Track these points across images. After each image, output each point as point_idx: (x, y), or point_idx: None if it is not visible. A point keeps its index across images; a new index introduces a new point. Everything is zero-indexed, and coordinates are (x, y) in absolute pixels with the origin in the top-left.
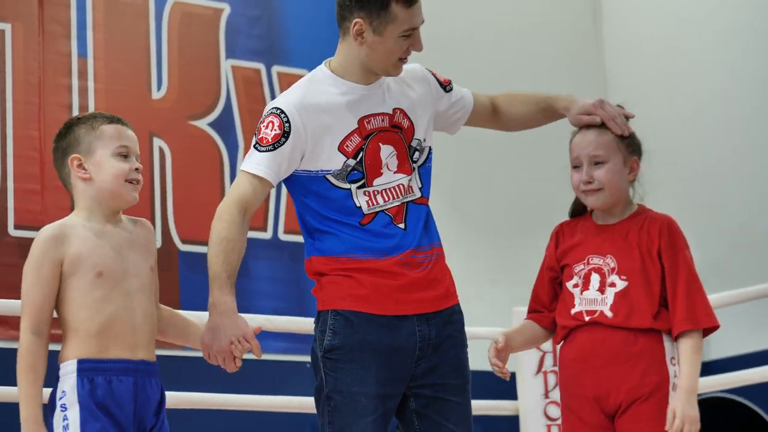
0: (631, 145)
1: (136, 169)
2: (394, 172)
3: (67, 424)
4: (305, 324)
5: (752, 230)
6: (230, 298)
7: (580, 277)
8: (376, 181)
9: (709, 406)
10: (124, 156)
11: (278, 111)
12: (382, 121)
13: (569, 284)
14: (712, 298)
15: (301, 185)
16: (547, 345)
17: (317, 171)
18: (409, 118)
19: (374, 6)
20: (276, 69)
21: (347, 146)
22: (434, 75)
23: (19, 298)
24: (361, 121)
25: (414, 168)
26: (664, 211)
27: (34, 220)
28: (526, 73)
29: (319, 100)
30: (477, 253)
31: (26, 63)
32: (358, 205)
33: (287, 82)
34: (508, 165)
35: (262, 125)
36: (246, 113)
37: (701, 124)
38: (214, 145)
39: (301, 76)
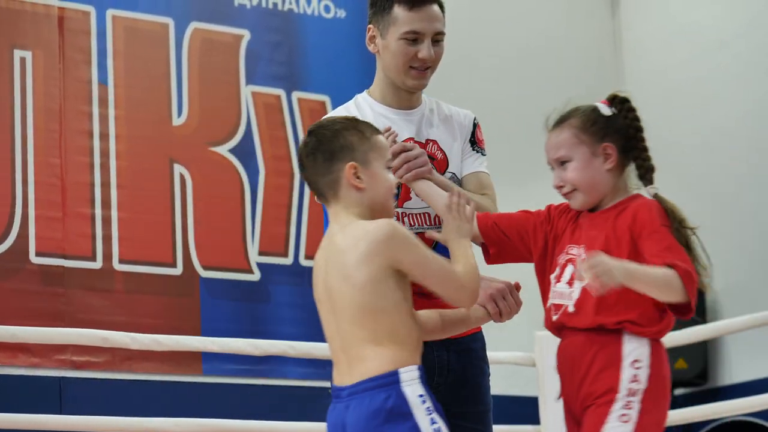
0: (597, 132)
1: None
2: (422, 200)
3: (439, 428)
4: (327, 350)
5: None
6: None
7: (559, 268)
8: (406, 204)
9: (731, 429)
10: (389, 168)
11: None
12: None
13: (552, 276)
14: (730, 322)
15: None
16: None
17: None
18: (443, 152)
19: (380, 9)
20: (296, 95)
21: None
22: (476, 127)
23: (41, 325)
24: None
25: None
26: None
27: (55, 248)
28: (544, 101)
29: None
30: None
31: (47, 90)
32: None
33: (308, 107)
34: (528, 185)
35: None
36: (266, 139)
37: (721, 149)
38: (235, 171)
39: (321, 102)
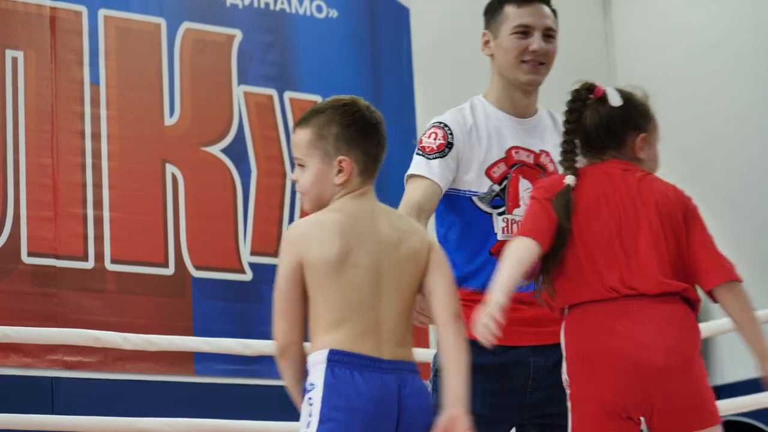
0: None
1: None
2: None
3: None
4: None
5: (762, 255)
6: None
7: None
8: (516, 211)
9: (723, 429)
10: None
11: (442, 125)
12: (527, 156)
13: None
14: (723, 322)
15: (449, 202)
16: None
17: (465, 191)
18: (554, 164)
19: (491, 12)
20: (288, 95)
21: (494, 172)
22: None
23: (33, 325)
24: (509, 150)
25: None
26: None
27: (47, 248)
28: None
29: (473, 123)
30: None
31: (39, 90)
32: (495, 230)
33: (299, 107)
34: None
35: (424, 137)
36: (258, 139)
37: (714, 150)
38: (227, 171)
39: (313, 102)
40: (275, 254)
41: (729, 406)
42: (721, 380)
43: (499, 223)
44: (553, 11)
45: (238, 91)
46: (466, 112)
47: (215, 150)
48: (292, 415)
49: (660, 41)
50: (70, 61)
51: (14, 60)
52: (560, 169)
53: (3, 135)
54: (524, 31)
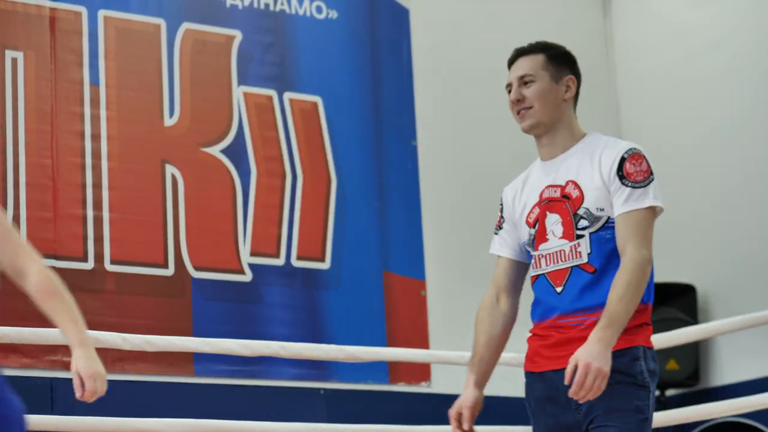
0: None
1: None
2: (559, 238)
3: None
4: (318, 350)
5: (760, 257)
6: (469, 376)
7: None
8: (541, 246)
9: (722, 430)
10: None
11: (500, 199)
12: (555, 191)
13: None
14: (721, 323)
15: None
16: None
17: (522, 244)
18: (580, 189)
19: None
20: (288, 95)
21: (530, 218)
22: (624, 160)
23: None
24: (540, 193)
25: (581, 235)
26: (673, 235)
27: (47, 248)
28: None
29: (523, 184)
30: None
31: (38, 91)
32: (533, 269)
33: (299, 108)
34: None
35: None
36: (258, 140)
37: (713, 151)
38: (227, 171)
39: (313, 103)
40: (275, 255)
41: (729, 407)
42: (720, 381)
43: (533, 261)
44: (543, 47)
45: (238, 92)
46: (523, 175)
47: (215, 150)
48: (291, 415)
49: (660, 41)
50: (70, 62)
51: (14, 60)
52: (587, 193)
53: (2, 135)
54: (509, 89)
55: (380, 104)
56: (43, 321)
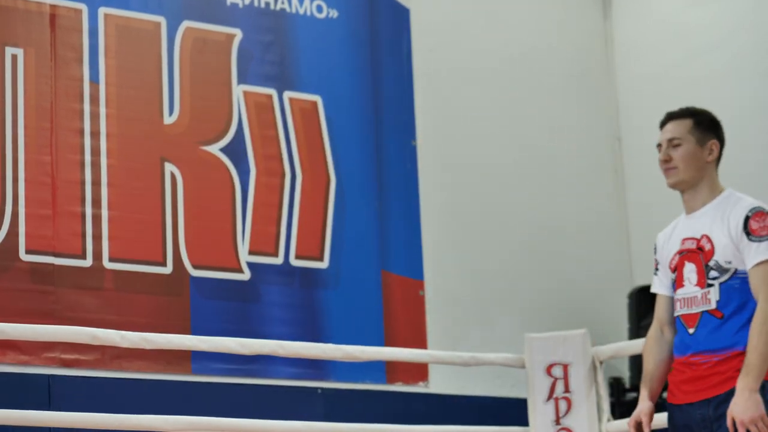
0: None
1: None
2: (693, 285)
3: None
4: (316, 350)
5: None
6: (643, 391)
7: None
8: (679, 291)
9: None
10: None
11: (654, 245)
12: (692, 243)
13: None
14: None
15: None
16: (558, 371)
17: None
18: (712, 243)
19: None
20: (288, 94)
21: (672, 264)
22: (749, 218)
23: (30, 322)
24: (681, 243)
25: (711, 284)
26: None
27: (46, 246)
28: (537, 102)
29: (672, 232)
30: (488, 277)
31: (38, 88)
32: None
33: (299, 107)
34: (520, 189)
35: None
36: (258, 138)
37: None
38: (226, 170)
39: (312, 102)
40: (274, 254)
41: None
42: None
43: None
44: (692, 113)
45: (238, 91)
46: (673, 224)
47: (214, 149)
48: (289, 414)
49: (660, 41)
50: (70, 59)
51: (14, 57)
52: (717, 247)
53: (2, 132)
54: (659, 148)
55: (380, 104)
56: (41, 318)
